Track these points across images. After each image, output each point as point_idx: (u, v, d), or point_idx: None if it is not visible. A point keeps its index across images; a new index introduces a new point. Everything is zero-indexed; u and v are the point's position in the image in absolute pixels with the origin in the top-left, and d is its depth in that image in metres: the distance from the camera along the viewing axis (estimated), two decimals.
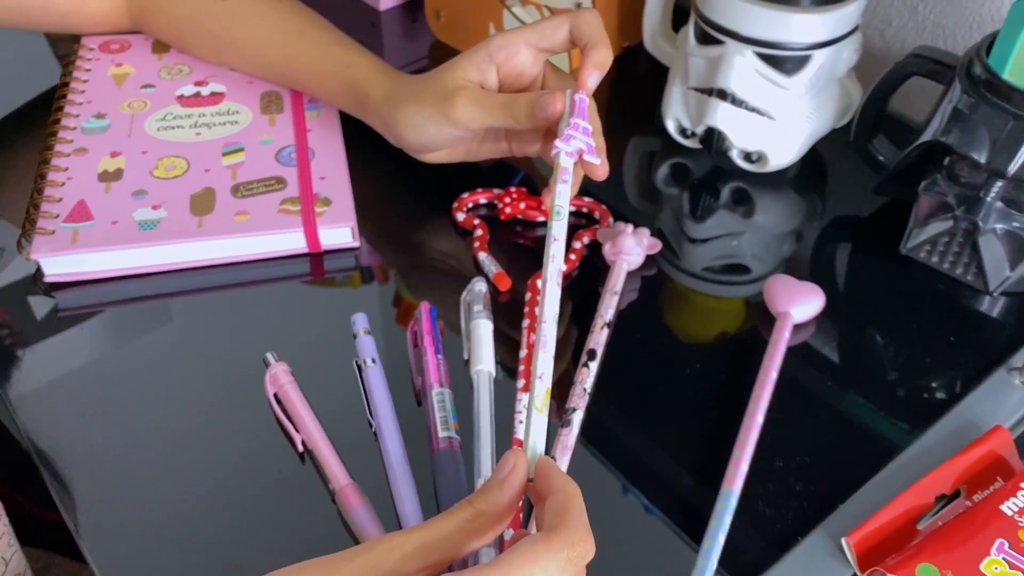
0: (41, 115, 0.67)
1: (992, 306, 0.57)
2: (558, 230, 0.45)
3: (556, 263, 0.44)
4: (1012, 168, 0.51)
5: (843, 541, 0.45)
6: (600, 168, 0.53)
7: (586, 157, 0.51)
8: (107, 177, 0.61)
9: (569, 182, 0.48)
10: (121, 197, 0.60)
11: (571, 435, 0.49)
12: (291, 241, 0.59)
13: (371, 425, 0.49)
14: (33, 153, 0.64)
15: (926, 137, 0.55)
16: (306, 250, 0.59)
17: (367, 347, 0.52)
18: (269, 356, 0.52)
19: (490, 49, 0.56)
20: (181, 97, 0.69)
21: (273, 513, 0.47)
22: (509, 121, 0.54)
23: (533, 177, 0.67)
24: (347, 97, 0.62)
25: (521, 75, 0.57)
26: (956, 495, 0.47)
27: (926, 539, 0.44)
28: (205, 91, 0.69)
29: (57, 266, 0.56)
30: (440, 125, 0.56)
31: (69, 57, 0.72)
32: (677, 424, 0.51)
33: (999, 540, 0.43)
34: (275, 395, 0.51)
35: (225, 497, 0.47)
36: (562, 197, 0.46)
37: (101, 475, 0.48)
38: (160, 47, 0.74)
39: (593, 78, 0.53)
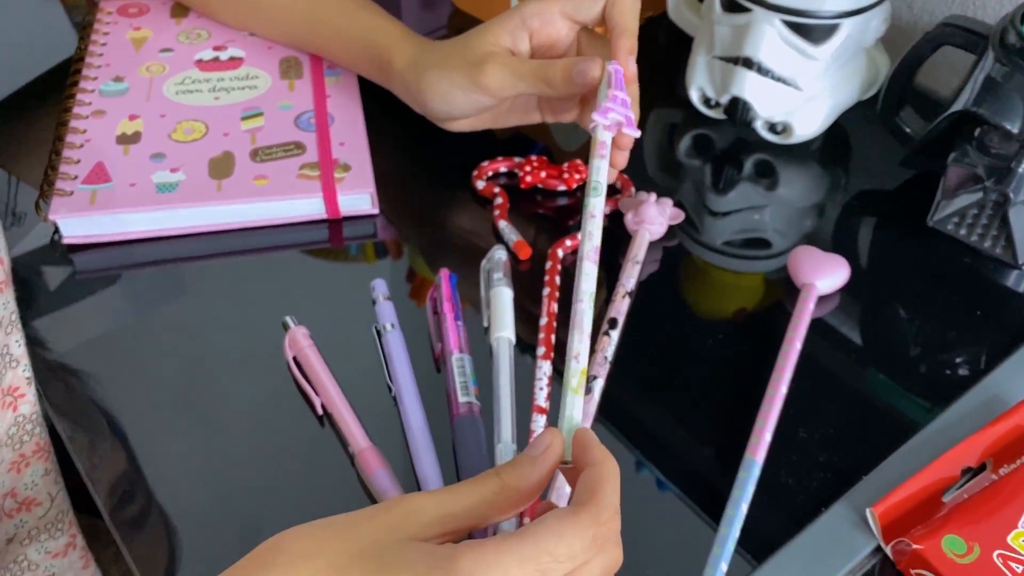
0: (58, 83, 0.66)
1: (1020, 280, 0.56)
2: (595, 206, 0.43)
3: (593, 241, 0.42)
4: None
5: (868, 512, 0.44)
6: (627, 138, 0.52)
7: (624, 130, 0.49)
8: (125, 140, 0.61)
9: (607, 156, 0.47)
10: (139, 159, 0.59)
11: (592, 403, 0.48)
12: (310, 207, 0.58)
13: (390, 390, 0.49)
14: (51, 119, 0.63)
15: (957, 107, 0.54)
16: (325, 216, 0.59)
17: (387, 312, 0.52)
18: (288, 320, 0.51)
19: (524, 15, 0.54)
20: (200, 62, 0.68)
21: (293, 476, 0.46)
22: (543, 88, 0.52)
23: (551, 147, 0.67)
24: (371, 63, 0.61)
25: (555, 44, 0.55)
26: (982, 468, 0.47)
27: (952, 511, 0.43)
28: (224, 56, 0.69)
29: (75, 227, 0.56)
30: (469, 92, 0.55)
31: (87, 21, 0.72)
32: (698, 395, 0.51)
33: None
34: (294, 358, 0.50)
35: (245, 459, 0.47)
36: (600, 172, 0.45)
37: (120, 439, 0.48)
38: (179, 11, 0.73)
39: (632, 64, 0.52)
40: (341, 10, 0.62)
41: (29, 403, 0.49)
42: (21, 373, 0.48)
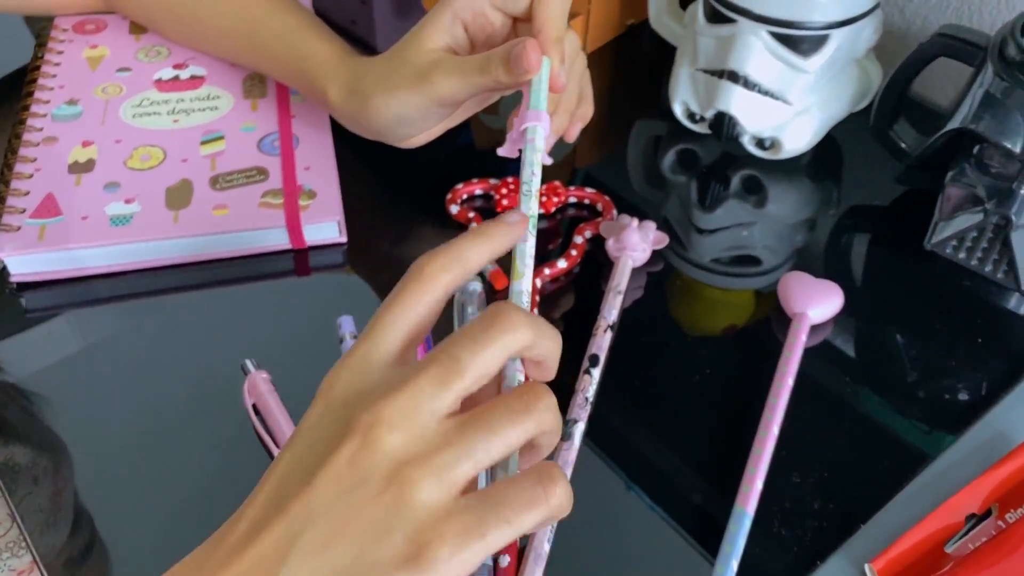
0: (12, 98, 0.63)
1: (1023, 306, 0.54)
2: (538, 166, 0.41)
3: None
4: None
5: (866, 568, 0.41)
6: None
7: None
8: (78, 168, 0.57)
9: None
10: (92, 190, 0.56)
11: (572, 450, 0.45)
12: (273, 237, 0.55)
13: None
14: (2, 141, 0.60)
15: (954, 124, 0.51)
16: (290, 247, 0.56)
17: None
18: (248, 363, 0.48)
19: (455, 8, 0.50)
20: (159, 81, 0.65)
21: None
22: (490, 83, 0.48)
23: None
24: (309, 94, 0.58)
25: (491, 36, 0.51)
26: (987, 514, 0.44)
27: (957, 566, 0.41)
28: (184, 75, 0.65)
29: (24, 265, 0.53)
30: (421, 108, 0.51)
31: (42, 37, 0.68)
32: (687, 433, 0.48)
33: None
34: (254, 406, 0.47)
35: (200, 516, 0.44)
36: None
37: (62, 479, 0.45)
38: (138, 28, 0.69)
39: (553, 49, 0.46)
40: (277, 35, 0.58)
41: None
42: None
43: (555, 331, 0.34)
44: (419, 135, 0.55)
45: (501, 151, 0.47)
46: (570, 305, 0.54)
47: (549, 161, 0.45)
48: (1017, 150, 0.48)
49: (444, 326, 0.52)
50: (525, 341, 0.32)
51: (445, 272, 0.34)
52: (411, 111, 0.51)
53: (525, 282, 0.37)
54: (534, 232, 0.38)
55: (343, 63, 0.55)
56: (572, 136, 0.52)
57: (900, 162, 0.59)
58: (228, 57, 0.65)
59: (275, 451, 0.45)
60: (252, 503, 0.31)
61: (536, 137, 0.42)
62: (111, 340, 0.52)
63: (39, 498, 0.45)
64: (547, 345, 0.33)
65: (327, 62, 0.56)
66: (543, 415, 0.31)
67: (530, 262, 0.38)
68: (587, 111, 0.54)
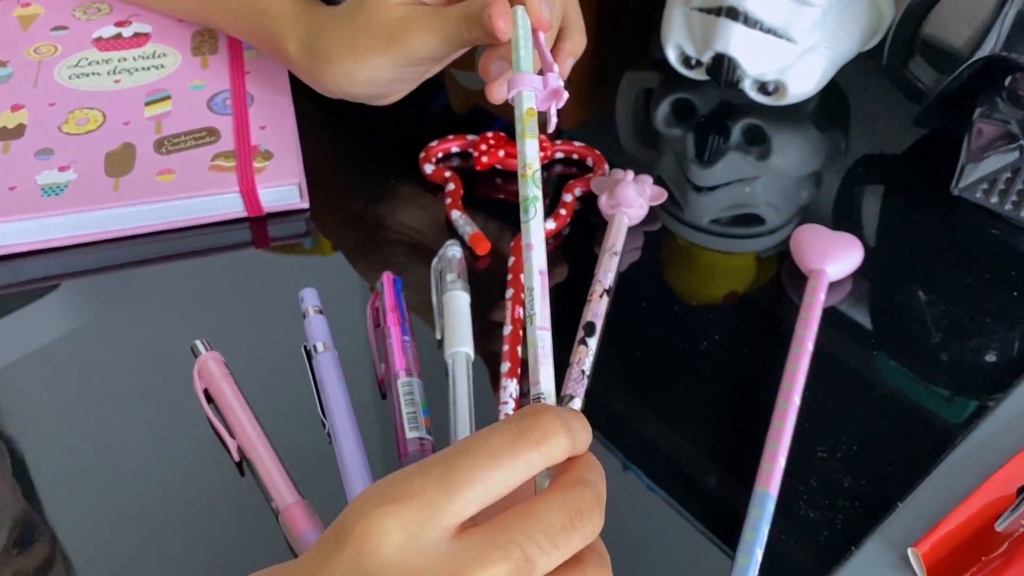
0: None
1: None
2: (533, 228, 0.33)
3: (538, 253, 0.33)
4: None
5: (909, 552, 0.36)
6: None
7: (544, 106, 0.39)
8: (6, 135, 0.51)
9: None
10: (22, 158, 0.50)
11: None
12: (226, 203, 0.49)
13: (324, 425, 0.40)
14: None
15: (983, 52, 0.46)
16: (245, 214, 0.50)
17: (318, 329, 0.43)
18: (199, 344, 0.43)
19: None
20: (99, 40, 0.58)
21: (208, 536, 0.38)
22: (472, 41, 0.44)
23: (514, 124, 0.58)
24: (267, 49, 0.52)
25: None
26: None
27: (1012, 546, 0.36)
28: (127, 32, 0.59)
29: None
30: (396, 69, 0.46)
31: None
32: (696, 408, 0.43)
33: None
34: (205, 391, 0.41)
35: (152, 518, 0.39)
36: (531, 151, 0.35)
37: (7, 483, 0.39)
38: None
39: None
40: None
41: None
42: None
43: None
44: (392, 95, 0.50)
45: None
46: (562, 270, 0.49)
47: (554, 124, 0.40)
48: None
49: (422, 294, 0.46)
50: (593, 538, 0.27)
51: (556, 435, 0.27)
52: (385, 73, 0.46)
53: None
54: (540, 213, 0.33)
55: (302, 16, 0.50)
56: (562, 75, 0.46)
57: (917, 103, 0.53)
58: (177, 13, 0.59)
59: (229, 442, 0.40)
60: None
61: (524, 104, 0.36)
62: (47, 325, 0.47)
63: None
64: None
65: (286, 15, 0.50)
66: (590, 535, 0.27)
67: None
68: (577, 44, 0.47)
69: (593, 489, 0.27)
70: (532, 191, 0.33)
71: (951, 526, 0.37)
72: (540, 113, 0.37)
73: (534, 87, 0.36)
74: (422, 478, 0.25)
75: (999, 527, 0.38)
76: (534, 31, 0.41)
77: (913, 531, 0.37)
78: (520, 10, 0.40)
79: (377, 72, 0.47)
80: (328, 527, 0.26)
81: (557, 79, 0.38)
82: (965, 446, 0.41)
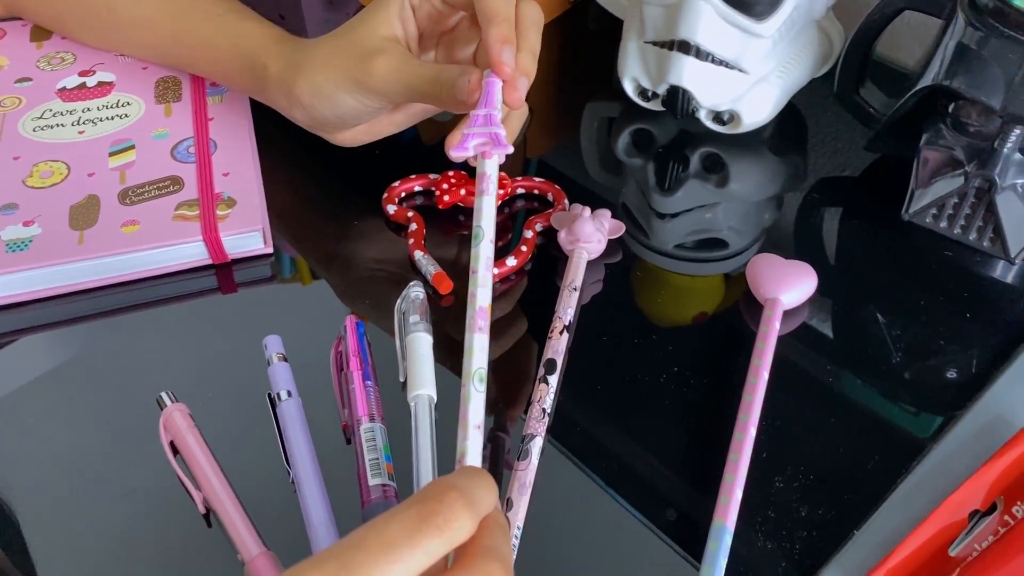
0: None
1: (1014, 274, 0.50)
2: (480, 259, 0.38)
3: (477, 303, 0.37)
4: None
5: None
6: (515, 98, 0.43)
7: (492, 151, 0.41)
8: None
9: (491, 192, 0.40)
10: None
11: (530, 470, 0.40)
12: (190, 252, 0.50)
13: (289, 474, 0.41)
14: None
15: (926, 81, 0.47)
16: (209, 261, 0.50)
17: (282, 377, 0.44)
18: (164, 396, 0.43)
19: None
20: (63, 90, 0.59)
21: None
22: (433, 100, 0.45)
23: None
24: (245, 73, 0.53)
25: (439, 17, 0.49)
26: (992, 509, 0.40)
27: (964, 571, 0.36)
28: (91, 81, 0.60)
29: None
30: (356, 93, 0.47)
31: None
32: (657, 441, 0.43)
33: None
34: (171, 443, 0.42)
35: (119, 570, 0.39)
36: (483, 214, 0.39)
37: None
38: (40, 34, 0.64)
39: (506, 54, 0.43)
40: (207, 16, 0.54)
41: None
42: None
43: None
44: (352, 131, 0.51)
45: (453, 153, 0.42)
46: (522, 307, 0.49)
47: (509, 150, 0.42)
48: (996, 105, 0.44)
49: (386, 339, 0.47)
50: None
51: (459, 518, 0.26)
52: (344, 95, 0.48)
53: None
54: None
55: (284, 40, 0.52)
56: (518, 102, 0.44)
57: (869, 128, 0.54)
58: (147, 51, 0.60)
59: (195, 495, 0.40)
60: None
61: (487, 177, 0.40)
62: (14, 380, 0.47)
63: None
64: None
65: (268, 37, 0.52)
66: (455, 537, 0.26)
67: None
68: (531, 67, 0.46)
69: (497, 556, 0.26)
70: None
71: (905, 553, 0.37)
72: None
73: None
74: (323, 565, 0.25)
75: (952, 552, 0.38)
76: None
77: (869, 559, 0.38)
78: (496, 80, 0.42)
79: (340, 91, 0.48)
80: None
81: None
82: (918, 471, 0.41)
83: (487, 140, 0.41)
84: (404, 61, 0.46)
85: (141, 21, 0.58)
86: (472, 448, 0.34)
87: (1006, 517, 0.39)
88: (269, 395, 0.44)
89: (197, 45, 0.55)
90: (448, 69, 0.44)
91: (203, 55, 0.55)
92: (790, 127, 0.60)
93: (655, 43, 0.55)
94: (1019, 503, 0.39)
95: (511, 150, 0.42)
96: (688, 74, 0.54)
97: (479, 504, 0.27)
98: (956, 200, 0.49)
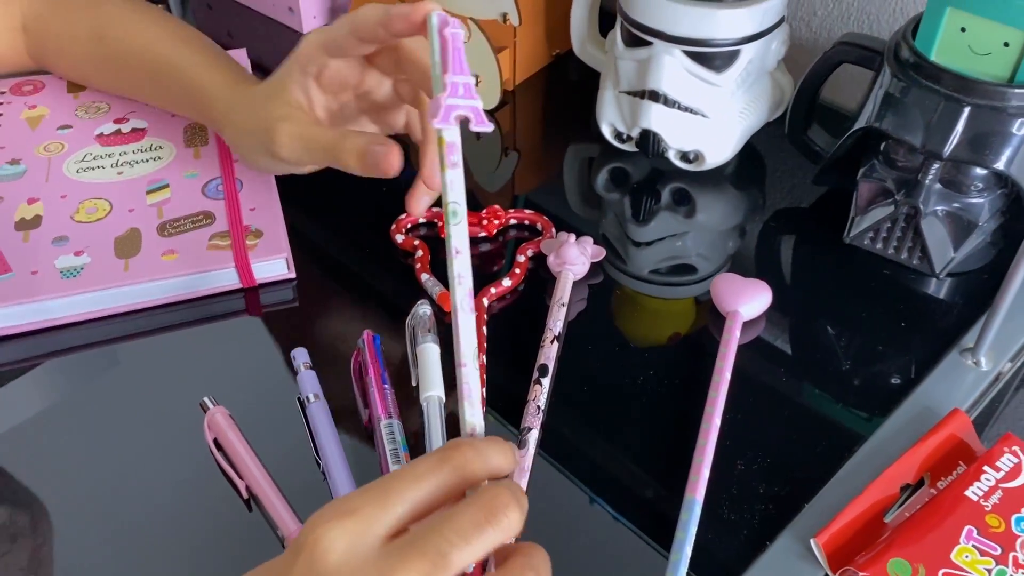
0: None
1: (939, 288, 0.57)
2: (458, 237, 0.36)
3: (464, 285, 0.36)
4: (947, 149, 0.51)
5: (812, 542, 0.44)
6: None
7: (474, 127, 0.37)
8: (25, 225, 0.58)
9: (460, 164, 0.36)
10: (41, 245, 0.57)
11: (527, 456, 0.47)
12: (223, 277, 0.57)
13: (319, 464, 0.47)
14: None
15: (860, 124, 0.55)
16: (240, 286, 0.57)
17: (309, 383, 0.50)
18: (207, 400, 0.50)
19: (301, 63, 0.49)
20: (100, 136, 0.66)
21: (222, 564, 0.44)
22: (337, 165, 0.48)
23: (473, 189, 0.66)
24: (206, 122, 0.58)
25: (343, 83, 0.50)
26: (921, 484, 0.47)
27: (895, 533, 0.43)
28: (126, 128, 0.67)
29: None
30: (267, 158, 0.51)
31: None
32: (636, 432, 0.50)
33: (967, 527, 0.43)
34: (215, 440, 0.48)
35: (171, 551, 0.45)
36: (455, 188, 0.36)
37: (41, 536, 0.46)
38: (76, 85, 0.71)
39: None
40: (177, 70, 0.59)
41: None
42: None
43: (526, 507, 0.33)
44: (293, 170, 0.55)
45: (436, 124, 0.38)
46: (518, 320, 0.56)
47: (490, 127, 0.42)
48: (918, 144, 0.52)
49: (398, 349, 0.53)
50: (512, 537, 0.32)
51: (472, 462, 0.33)
52: (260, 158, 0.53)
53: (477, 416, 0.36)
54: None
55: (235, 88, 0.56)
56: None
57: (816, 164, 0.62)
58: (143, 96, 0.65)
59: (238, 483, 0.46)
60: None
61: (454, 147, 0.36)
62: (72, 390, 0.53)
63: (19, 557, 0.45)
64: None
65: (220, 87, 0.56)
66: (509, 528, 0.32)
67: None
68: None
69: (508, 490, 0.32)
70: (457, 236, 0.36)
71: (846, 519, 0.44)
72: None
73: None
74: (361, 497, 0.31)
75: (887, 519, 0.45)
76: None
77: (816, 525, 0.44)
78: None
79: (255, 155, 0.52)
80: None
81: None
82: (859, 454, 0.48)
83: (468, 115, 0.37)
84: (303, 131, 0.48)
85: (133, 69, 0.63)
86: (480, 420, 0.36)
87: (931, 490, 0.46)
88: (299, 398, 0.50)
89: (170, 99, 0.61)
90: (351, 137, 0.47)
91: (177, 104, 0.61)
92: (749, 164, 0.68)
93: (629, 92, 0.63)
94: (943, 478, 0.46)
95: (491, 127, 0.42)
96: (657, 119, 0.61)
97: (486, 453, 0.33)
98: (889, 224, 0.56)
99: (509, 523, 0.31)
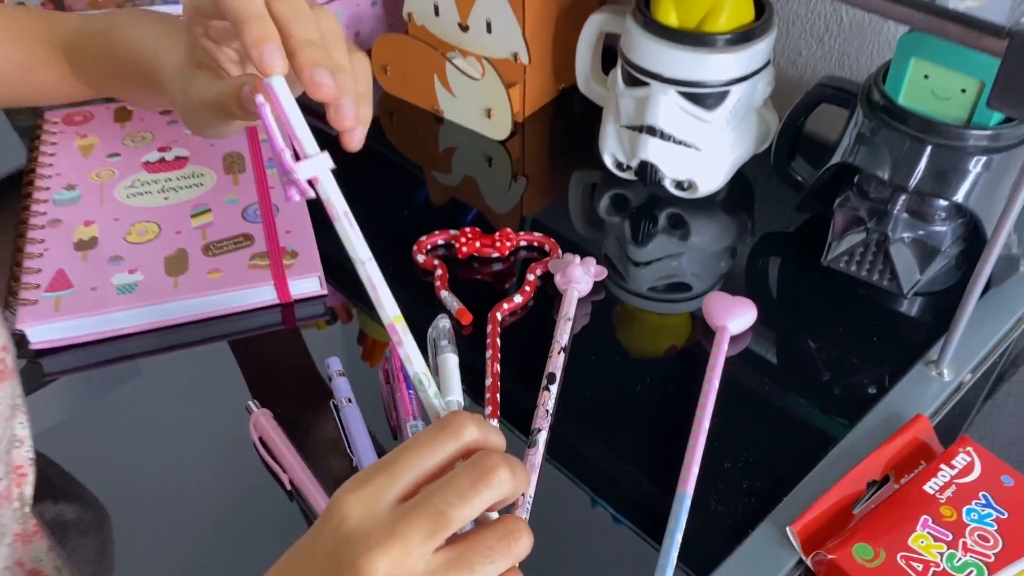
0: (9, 193, 0.70)
1: (907, 306, 0.63)
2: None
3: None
4: (912, 183, 0.57)
5: (788, 530, 0.50)
6: (350, 140, 0.43)
7: (299, 196, 0.39)
8: (83, 246, 0.65)
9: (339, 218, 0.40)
10: (98, 264, 0.63)
11: (537, 454, 0.53)
12: (263, 294, 0.63)
13: (352, 461, 0.53)
14: (7, 228, 0.67)
15: (836, 159, 0.61)
16: (277, 301, 0.63)
17: (343, 388, 0.56)
18: (251, 404, 0.56)
19: (188, 27, 0.48)
20: (147, 163, 0.72)
21: (267, 551, 0.50)
22: (234, 114, 0.46)
23: (484, 212, 0.72)
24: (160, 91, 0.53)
25: (229, 32, 0.47)
26: (886, 480, 0.53)
27: (860, 521, 0.49)
28: (169, 156, 0.73)
29: (42, 334, 0.60)
30: (206, 125, 0.50)
31: (33, 131, 0.76)
32: (634, 435, 0.56)
33: (924, 516, 0.49)
34: (260, 439, 0.54)
35: (221, 542, 0.51)
36: (350, 241, 0.40)
37: (106, 531, 0.52)
38: (122, 115, 0.77)
39: (266, 56, 0.40)
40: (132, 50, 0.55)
41: (30, 484, 0.51)
42: (25, 453, 0.50)
43: (527, 474, 0.37)
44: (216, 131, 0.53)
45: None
46: (527, 333, 0.62)
47: (310, 194, 0.40)
48: (887, 177, 0.58)
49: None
50: (507, 494, 0.36)
51: (474, 434, 0.37)
52: (197, 125, 0.51)
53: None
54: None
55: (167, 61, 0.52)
56: (355, 142, 0.44)
57: (798, 193, 0.68)
58: (124, 93, 0.62)
59: (282, 476, 0.52)
60: None
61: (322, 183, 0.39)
62: (128, 396, 0.59)
63: (87, 550, 0.51)
64: (519, 488, 0.37)
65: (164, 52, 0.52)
66: (520, 554, 0.36)
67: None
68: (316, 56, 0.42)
69: (498, 453, 0.36)
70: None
71: (818, 511, 0.50)
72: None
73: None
74: (373, 470, 0.36)
75: (856, 511, 0.51)
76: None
77: (792, 515, 0.50)
78: (278, 78, 0.39)
79: (192, 124, 0.51)
80: None
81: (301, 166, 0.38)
82: (832, 454, 0.54)
83: (296, 182, 0.38)
84: (203, 87, 0.47)
85: (116, 64, 0.57)
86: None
87: (895, 485, 0.52)
88: (333, 403, 0.56)
89: (136, 88, 0.58)
90: (231, 80, 0.45)
91: (139, 96, 0.59)
92: (738, 193, 0.74)
93: (628, 127, 0.69)
94: (906, 475, 0.52)
95: (296, 199, 0.40)
96: (654, 152, 0.68)
97: (486, 428, 0.38)
98: (862, 249, 0.62)
99: (500, 481, 0.35)
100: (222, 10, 0.41)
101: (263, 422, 0.55)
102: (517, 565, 0.37)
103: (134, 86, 0.58)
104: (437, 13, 0.78)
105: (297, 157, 0.38)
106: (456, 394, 0.56)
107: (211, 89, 0.47)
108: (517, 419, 0.56)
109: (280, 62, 0.40)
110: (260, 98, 0.39)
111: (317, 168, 0.38)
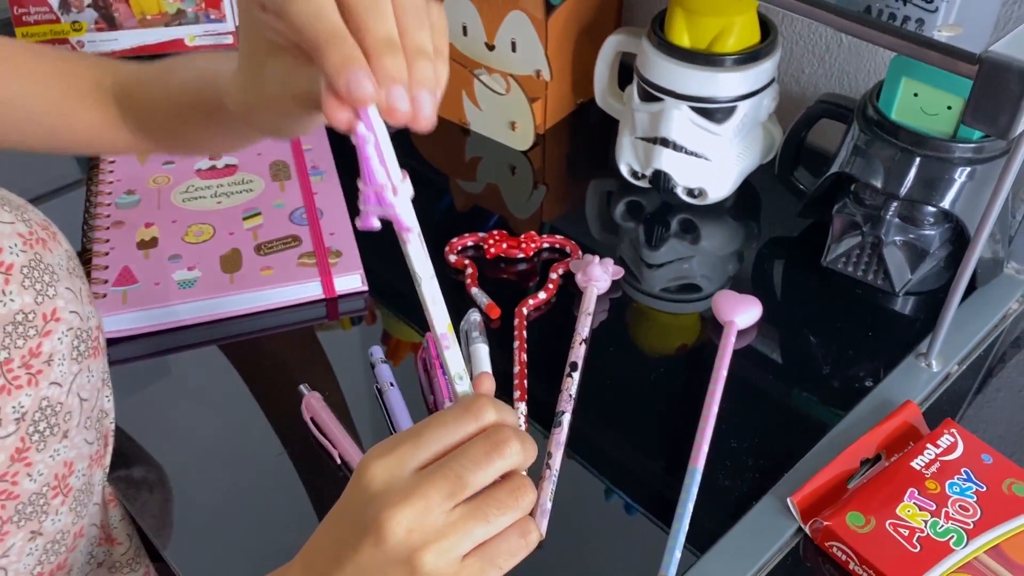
0: (73, 200, 0.76)
1: (899, 304, 0.69)
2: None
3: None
4: (903, 191, 0.63)
5: (788, 501, 0.55)
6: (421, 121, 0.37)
7: (402, 232, 0.41)
8: (144, 245, 0.71)
9: (420, 247, 0.41)
10: (159, 262, 0.69)
11: (562, 433, 0.59)
12: (310, 290, 0.69)
13: None
14: (74, 230, 0.73)
15: (834, 169, 0.67)
16: (323, 296, 0.69)
17: (385, 374, 0.62)
18: (303, 388, 0.62)
19: (245, 12, 0.41)
20: (199, 171, 0.78)
21: (318, 514, 0.56)
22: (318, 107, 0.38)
23: (507, 217, 0.78)
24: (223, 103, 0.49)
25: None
26: (878, 458, 0.58)
27: (853, 494, 0.55)
28: (220, 164, 0.79)
29: (112, 324, 0.66)
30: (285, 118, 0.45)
31: None
32: (648, 420, 0.62)
33: (910, 489, 0.54)
34: (312, 419, 0.60)
35: (276, 507, 0.57)
36: (420, 261, 0.41)
37: (167, 490, 0.58)
38: None
39: (353, 84, 0.35)
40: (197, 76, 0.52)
41: (110, 454, 0.56)
42: (109, 424, 0.55)
43: (535, 448, 0.40)
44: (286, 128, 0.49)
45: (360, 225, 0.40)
46: (551, 326, 0.68)
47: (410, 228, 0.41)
48: (880, 186, 0.64)
49: None
50: (517, 464, 0.39)
51: (492, 416, 0.40)
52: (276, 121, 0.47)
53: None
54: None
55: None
56: (425, 117, 0.37)
57: (801, 200, 0.74)
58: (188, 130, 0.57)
59: (333, 452, 0.58)
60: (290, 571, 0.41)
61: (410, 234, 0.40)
62: (190, 380, 0.65)
63: (152, 505, 0.57)
64: (528, 460, 0.40)
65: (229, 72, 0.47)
66: (527, 507, 0.40)
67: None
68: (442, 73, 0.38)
69: (511, 427, 0.39)
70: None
71: (816, 485, 0.55)
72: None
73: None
74: (399, 438, 0.39)
75: (850, 485, 0.57)
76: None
77: (792, 488, 0.56)
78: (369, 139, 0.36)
79: (264, 121, 0.46)
80: None
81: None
82: (830, 435, 0.60)
83: (387, 216, 0.39)
84: (291, 68, 0.40)
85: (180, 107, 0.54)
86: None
87: (886, 463, 0.58)
88: (376, 387, 0.62)
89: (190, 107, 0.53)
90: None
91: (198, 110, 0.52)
92: (745, 200, 0.80)
93: (643, 138, 0.75)
94: (896, 455, 0.58)
95: (410, 230, 0.40)
96: (667, 162, 0.73)
97: (503, 410, 0.41)
98: (858, 251, 0.68)
99: (511, 453, 0.39)
100: (289, 26, 0.35)
101: (314, 404, 0.60)
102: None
103: (193, 123, 0.54)
104: (465, 33, 0.84)
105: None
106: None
107: (301, 78, 0.40)
108: (543, 402, 0.62)
109: (371, 91, 0.34)
110: (362, 128, 0.35)
111: (408, 198, 0.39)
